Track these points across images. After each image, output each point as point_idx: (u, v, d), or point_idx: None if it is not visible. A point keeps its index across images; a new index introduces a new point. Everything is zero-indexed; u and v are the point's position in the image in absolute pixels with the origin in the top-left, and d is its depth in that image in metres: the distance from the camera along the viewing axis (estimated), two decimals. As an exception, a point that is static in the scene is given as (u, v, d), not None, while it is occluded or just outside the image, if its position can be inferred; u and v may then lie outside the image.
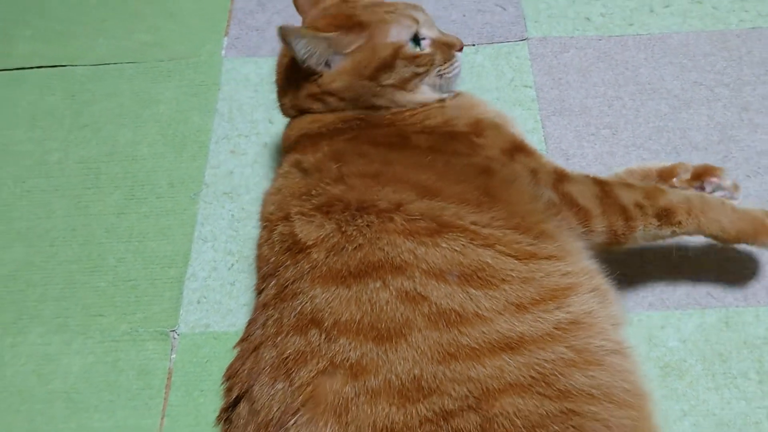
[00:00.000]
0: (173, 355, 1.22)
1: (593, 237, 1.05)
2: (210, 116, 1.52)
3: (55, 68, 1.64)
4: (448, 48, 1.15)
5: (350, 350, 0.83)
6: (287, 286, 0.93)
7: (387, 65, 1.09)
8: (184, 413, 1.16)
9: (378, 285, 0.87)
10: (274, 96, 1.22)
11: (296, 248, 0.95)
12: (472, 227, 0.92)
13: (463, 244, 0.90)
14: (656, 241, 1.12)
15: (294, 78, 1.14)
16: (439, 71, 1.13)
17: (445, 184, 0.97)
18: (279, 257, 0.97)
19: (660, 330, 1.18)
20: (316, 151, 1.07)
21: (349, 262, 0.90)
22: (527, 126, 1.46)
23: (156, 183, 1.43)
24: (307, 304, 0.89)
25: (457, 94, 1.19)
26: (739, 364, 1.14)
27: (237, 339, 1.00)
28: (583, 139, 1.44)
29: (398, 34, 1.10)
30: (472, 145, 1.07)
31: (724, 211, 1.10)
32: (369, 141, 1.06)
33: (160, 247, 1.34)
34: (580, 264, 0.97)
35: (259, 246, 1.05)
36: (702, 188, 1.22)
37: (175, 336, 1.24)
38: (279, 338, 0.89)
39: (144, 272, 1.31)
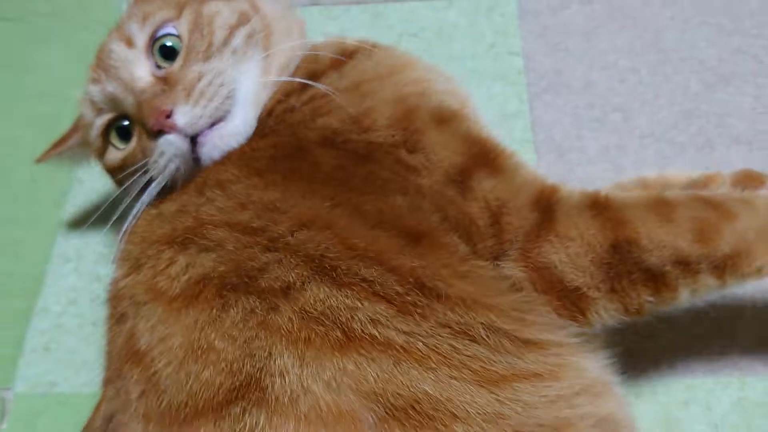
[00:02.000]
0: (3, 425, 0.89)
1: (599, 324, 0.67)
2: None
3: None
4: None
5: None
6: (114, 415, 0.62)
7: None
8: None
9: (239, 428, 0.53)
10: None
11: (133, 354, 0.62)
12: (402, 340, 0.57)
13: (386, 366, 0.55)
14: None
15: None
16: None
17: (354, 262, 0.61)
18: (116, 363, 0.65)
19: (683, 408, 0.83)
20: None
21: (201, 391, 0.56)
22: (509, 108, 1.10)
23: (14, 178, 1.10)
24: None
25: (359, 52, 0.81)
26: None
27: (90, 405, 0.70)
28: (583, 126, 1.08)
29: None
30: (399, 171, 0.69)
31: None
32: (240, 163, 0.71)
33: (6, 267, 1.00)
34: (585, 378, 0.62)
35: (108, 329, 0.71)
36: None
37: (9, 397, 0.90)
38: None
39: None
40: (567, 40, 1.17)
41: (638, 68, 1.13)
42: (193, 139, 0.72)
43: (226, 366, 0.56)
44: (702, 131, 1.06)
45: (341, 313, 0.57)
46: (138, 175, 0.74)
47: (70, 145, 0.89)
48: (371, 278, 0.60)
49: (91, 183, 1.07)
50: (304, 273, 0.60)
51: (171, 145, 0.71)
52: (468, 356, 0.56)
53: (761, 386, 0.84)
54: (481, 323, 0.59)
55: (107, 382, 0.67)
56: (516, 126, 1.08)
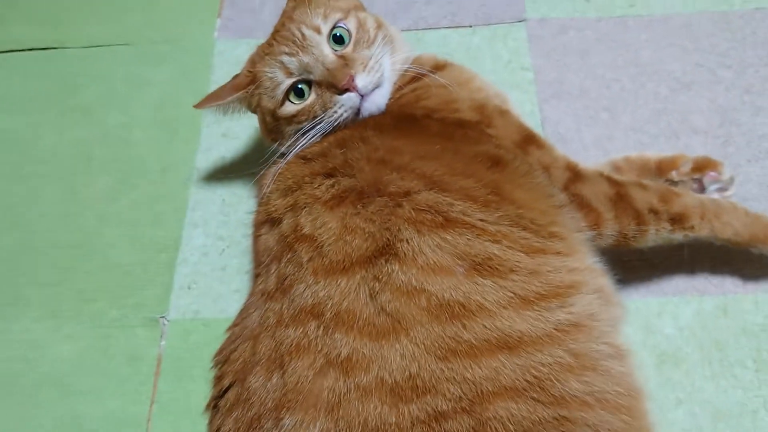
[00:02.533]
0: (163, 342, 1.21)
1: (601, 239, 1.04)
2: (203, 99, 1.50)
3: (46, 51, 1.62)
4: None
5: (344, 346, 0.81)
6: (288, 276, 0.92)
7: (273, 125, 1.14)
8: (173, 400, 1.15)
9: (382, 272, 0.85)
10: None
11: (301, 238, 0.93)
12: (480, 224, 0.90)
13: (469, 239, 0.88)
14: (665, 243, 1.10)
15: None
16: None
17: (453, 178, 0.95)
18: (282, 246, 0.96)
19: (657, 317, 1.16)
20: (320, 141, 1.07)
21: (354, 252, 0.88)
22: (524, 109, 1.43)
23: (148, 168, 1.42)
24: (308, 295, 0.87)
25: (446, 66, 1.16)
26: (737, 352, 1.12)
27: (227, 326, 1.00)
28: (581, 122, 1.41)
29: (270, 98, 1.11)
30: (483, 134, 1.05)
31: (737, 216, 1.09)
32: (373, 127, 1.04)
33: (152, 233, 1.33)
34: (586, 262, 0.95)
35: (259, 235, 1.03)
36: (701, 182, 1.21)
37: (165, 322, 1.23)
38: (278, 330, 0.88)
39: (135, 257, 1.30)
40: (566, 58, 1.50)
41: (621, 78, 1.46)
42: (362, 98, 1.06)
43: (370, 236, 0.88)
44: (670, 125, 1.38)
45: (443, 207, 0.90)
46: (308, 123, 1.07)
47: (230, 100, 1.15)
48: (466, 186, 0.94)
49: (207, 170, 1.41)
50: (419, 184, 0.93)
51: (350, 99, 1.05)
52: (518, 236, 0.90)
53: (713, 302, 1.17)
54: (529, 218, 0.94)
55: (268, 265, 0.96)
56: (530, 123, 1.37)
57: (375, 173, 0.95)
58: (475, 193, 0.93)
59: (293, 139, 1.09)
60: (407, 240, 0.87)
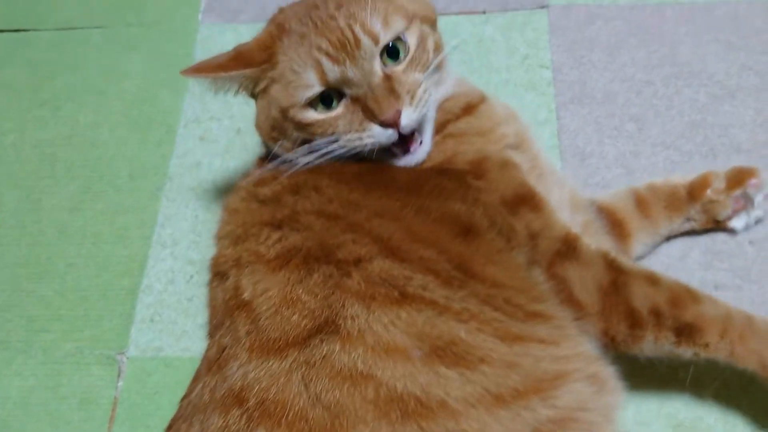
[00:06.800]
0: (120, 383, 1.09)
1: (585, 332, 0.85)
2: (180, 95, 1.36)
3: (17, 33, 1.48)
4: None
5: None
6: (226, 348, 0.80)
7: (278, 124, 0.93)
8: (126, 453, 1.04)
9: (318, 353, 0.72)
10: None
11: (240, 305, 0.81)
12: (443, 301, 0.76)
13: (429, 317, 0.74)
14: (666, 357, 0.87)
15: None
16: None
17: (414, 246, 0.80)
18: (224, 311, 0.84)
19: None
20: (275, 179, 0.91)
21: (291, 330, 0.75)
22: (539, 116, 1.25)
23: (115, 174, 1.28)
24: (238, 377, 0.75)
25: (477, 108, 0.98)
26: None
27: (190, 367, 0.89)
28: (603, 133, 1.23)
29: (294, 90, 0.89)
30: (463, 187, 0.87)
31: None
32: (331, 174, 0.89)
33: (115, 252, 1.20)
34: (578, 348, 0.80)
35: (212, 285, 0.91)
36: (745, 196, 1.04)
37: (123, 360, 1.11)
38: (206, 415, 0.76)
39: (95, 281, 1.17)
40: (591, 54, 1.31)
41: (653, 81, 1.27)
42: (399, 135, 0.87)
43: (309, 312, 0.75)
44: (707, 140, 1.20)
45: (399, 280, 0.76)
46: (321, 139, 0.88)
47: (234, 75, 0.91)
48: (426, 257, 0.79)
49: (180, 179, 1.27)
50: (373, 249, 0.78)
51: (384, 135, 0.86)
52: (490, 318, 0.75)
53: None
54: (502, 297, 0.78)
55: (214, 329, 0.85)
56: (544, 133, 1.23)
57: (324, 232, 0.81)
58: (436, 266, 0.78)
59: (297, 148, 0.92)
60: (352, 317, 0.73)
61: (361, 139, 0.87)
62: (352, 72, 0.85)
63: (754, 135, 1.20)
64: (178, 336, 1.12)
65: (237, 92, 0.95)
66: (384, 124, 0.86)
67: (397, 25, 0.88)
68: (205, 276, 1.13)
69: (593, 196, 1.09)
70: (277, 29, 0.92)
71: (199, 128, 1.31)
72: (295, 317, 0.75)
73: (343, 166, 0.90)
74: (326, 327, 0.74)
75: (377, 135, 0.86)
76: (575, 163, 1.21)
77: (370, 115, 0.86)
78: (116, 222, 1.23)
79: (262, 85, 0.93)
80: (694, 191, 1.06)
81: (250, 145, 1.28)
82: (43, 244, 1.22)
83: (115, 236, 1.22)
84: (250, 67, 0.91)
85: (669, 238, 1.09)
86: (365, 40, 0.85)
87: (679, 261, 1.09)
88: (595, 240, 0.98)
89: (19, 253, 1.22)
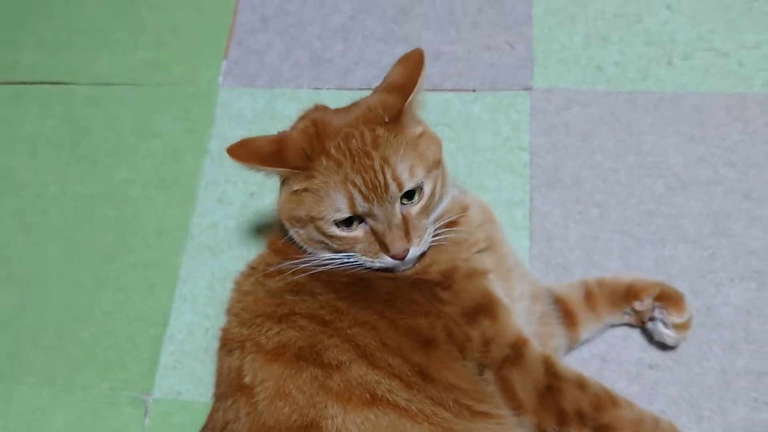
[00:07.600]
0: (146, 420, 1.31)
1: (523, 425, 1.04)
2: (201, 156, 1.53)
3: (56, 86, 1.66)
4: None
5: None
6: (229, 423, 0.99)
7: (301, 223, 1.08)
8: (150, 485, 1.27)
9: None
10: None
11: (242, 387, 0.99)
12: (404, 403, 0.94)
13: (392, 419, 0.93)
14: None
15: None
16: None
17: (383, 354, 0.98)
18: (228, 386, 1.02)
19: None
20: (280, 274, 1.09)
21: (284, 420, 0.94)
22: (514, 197, 1.42)
23: (145, 230, 1.47)
24: None
25: (461, 219, 1.14)
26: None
27: (205, 411, 1.07)
28: (569, 217, 1.40)
29: (328, 205, 1.03)
30: (431, 299, 1.05)
31: None
32: (327, 281, 1.07)
33: (143, 303, 1.40)
34: None
35: (221, 354, 1.10)
36: (652, 315, 1.23)
37: (150, 401, 1.32)
38: None
39: (126, 329, 1.38)
40: (566, 139, 1.46)
41: (618, 169, 1.42)
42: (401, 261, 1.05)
43: (298, 408, 0.94)
44: (659, 230, 1.36)
45: (371, 384, 0.95)
46: (337, 248, 1.06)
47: (270, 171, 1.05)
48: (393, 364, 0.98)
49: (200, 238, 1.46)
50: (353, 355, 0.97)
51: (391, 262, 1.04)
52: (441, 418, 0.94)
53: None
54: (452, 399, 0.97)
55: (219, 397, 1.04)
56: (518, 214, 1.40)
57: (314, 335, 0.99)
58: (400, 372, 0.97)
59: (315, 245, 1.09)
60: (332, 416, 0.92)
61: (372, 262, 1.06)
62: (378, 210, 1.02)
63: (701, 226, 1.35)
64: (195, 382, 1.33)
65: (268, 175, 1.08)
66: (394, 258, 1.04)
67: (420, 175, 1.04)
68: (219, 331, 1.36)
69: (551, 286, 1.26)
70: (317, 136, 1.04)
71: (217, 190, 1.49)
72: (286, 409, 0.94)
73: (336, 274, 1.08)
74: (311, 427, 0.92)
75: (386, 262, 1.05)
76: (542, 244, 1.38)
77: (384, 249, 1.04)
78: (145, 275, 1.43)
79: (294, 185, 1.06)
80: (629, 296, 1.23)
81: (262, 208, 1.46)
82: (83, 290, 1.42)
83: (144, 288, 1.41)
84: (285, 167, 1.04)
85: (613, 325, 1.28)
86: (393, 187, 1.01)
87: (622, 341, 1.28)
88: (550, 328, 1.19)
89: (63, 298, 1.42)
